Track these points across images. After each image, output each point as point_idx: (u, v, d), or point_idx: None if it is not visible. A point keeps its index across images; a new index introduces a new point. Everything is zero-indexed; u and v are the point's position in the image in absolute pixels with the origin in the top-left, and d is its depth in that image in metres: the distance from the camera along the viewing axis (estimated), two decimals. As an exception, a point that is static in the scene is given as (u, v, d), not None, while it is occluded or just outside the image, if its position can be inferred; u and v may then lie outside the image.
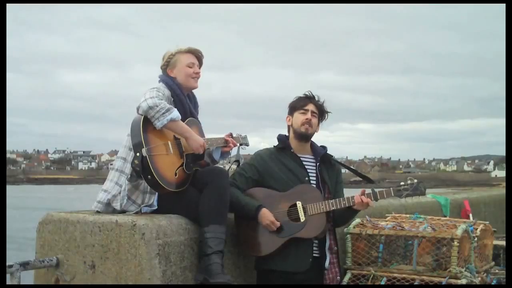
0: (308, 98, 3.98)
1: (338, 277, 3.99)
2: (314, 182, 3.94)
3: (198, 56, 3.92)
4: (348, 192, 4.03)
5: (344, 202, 3.81)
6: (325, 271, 3.90)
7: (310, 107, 3.95)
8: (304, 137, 3.96)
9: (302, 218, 3.77)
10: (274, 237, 3.74)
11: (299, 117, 3.94)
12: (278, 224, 3.73)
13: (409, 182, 3.81)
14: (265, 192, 3.85)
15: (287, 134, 4.06)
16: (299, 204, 3.79)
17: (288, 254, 3.74)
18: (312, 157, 4.00)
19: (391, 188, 3.83)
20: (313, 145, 4.04)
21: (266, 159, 3.92)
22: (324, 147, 4.06)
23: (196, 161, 3.73)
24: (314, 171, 3.96)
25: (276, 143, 4.03)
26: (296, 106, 3.97)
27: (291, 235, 3.74)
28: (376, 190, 3.84)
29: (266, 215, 3.73)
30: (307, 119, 3.92)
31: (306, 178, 3.90)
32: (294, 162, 3.92)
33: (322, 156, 4.00)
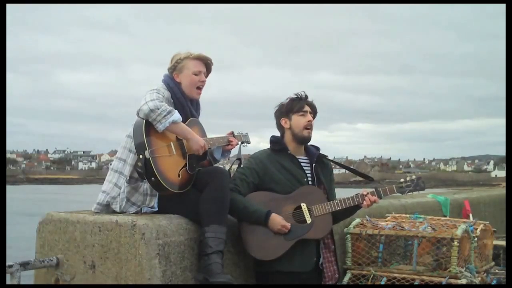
0: (304, 100, 3.97)
1: (337, 275, 3.98)
2: (311, 182, 3.93)
3: (207, 63, 3.88)
4: (348, 192, 4.03)
5: (349, 201, 3.83)
6: (324, 270, 3.89)
7: (308, 108, 3.95)
8: (306, 141, 3.97)
9: (308, 220, 3.77)
10: (282, 240, 3.72)
11: (299, 120, 3.92)
12: (289, 226, 3.72)
13: (408, 178, 3.93)
14: (268, 195, 3.81)
15: (278, 135, 4.03)
16: (304, 205, 3.79)
17: (294, 255, 3.73)
18: (306, 158, 4.01)
19: (394, 186, 3.91)
20: (306, 145, 4.04)
21: (265, 162, 3.89)
22: (317, 148, 4.06)
23: (199, 161, 3.73)
24: (310, 172, 3.96)
25: (268, 144, 4.01)
26: (293, 108, 3.94)
27: (299, 237, 3.73)
28: (379, 188, 3.89)
29: (277, 220, 3.71)
30: (309, 121, 3.92)
31: (305, 179, 3.90)
32: (292, 163, 3.92)
33: (317, 157, 4.01)
